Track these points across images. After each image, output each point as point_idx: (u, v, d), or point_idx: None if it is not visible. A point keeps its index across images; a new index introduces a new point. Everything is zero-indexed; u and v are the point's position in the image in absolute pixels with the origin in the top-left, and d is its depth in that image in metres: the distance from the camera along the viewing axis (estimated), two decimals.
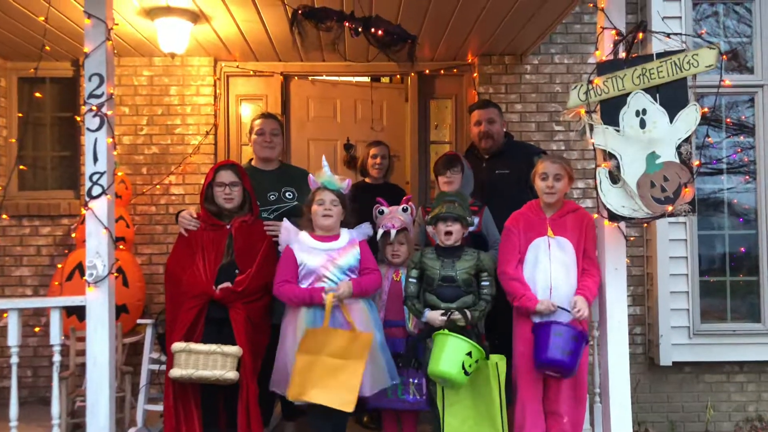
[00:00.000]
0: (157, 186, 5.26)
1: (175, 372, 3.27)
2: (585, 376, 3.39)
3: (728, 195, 5.44)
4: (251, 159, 4.07)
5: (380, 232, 3.66)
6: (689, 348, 5.20)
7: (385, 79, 6.13)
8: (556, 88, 5.42)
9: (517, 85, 5.44)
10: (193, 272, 3.41)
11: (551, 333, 3.09)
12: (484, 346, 3.20)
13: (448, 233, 3.39)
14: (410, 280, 3.46)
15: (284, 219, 3.49)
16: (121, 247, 4.59)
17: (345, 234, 3.46)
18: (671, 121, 3.03)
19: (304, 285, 3.33)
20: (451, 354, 3.11)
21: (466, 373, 3.08)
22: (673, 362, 5.17)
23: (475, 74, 5.43)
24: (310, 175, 3.52)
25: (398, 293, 3.60)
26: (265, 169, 3.97)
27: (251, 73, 5.47)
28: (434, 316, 3.31)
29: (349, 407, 3.10)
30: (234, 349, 3.29)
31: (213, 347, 3.26)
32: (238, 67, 5.43)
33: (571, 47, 5.45)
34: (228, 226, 3.52)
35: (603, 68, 3.13)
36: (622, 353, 3.36)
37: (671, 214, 2.99)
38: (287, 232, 3.43)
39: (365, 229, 3.54)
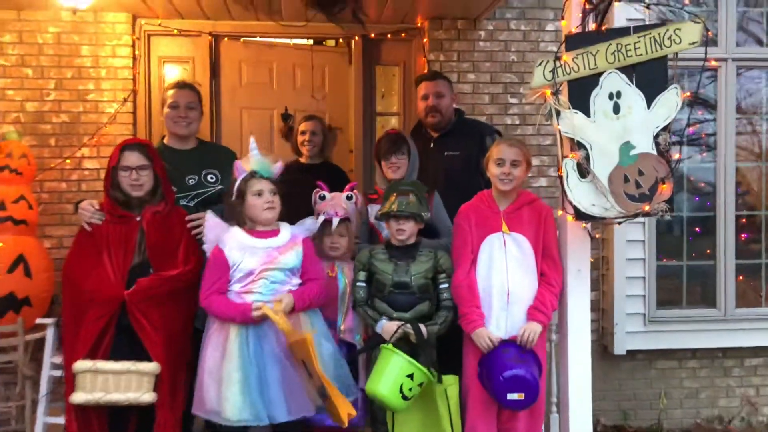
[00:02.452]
0: (68, 160, 4.65)
1: (79, 397, 2.81)
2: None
3: (686, 172, 5.18)
4: (164, 136, 3.54)
5: (320, 219, 3.23)
6: (644, 336, 4.99)
7: (329, 42, 5.59)
8: (511, 57, 5.02)
9: (470, 52, 5.01)
10: (99, 274, 2.92)
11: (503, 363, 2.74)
12: (434, 367, 2.81)
13: (401, 230, 2.99)
14: (358, 284, 3.07)
15: (208, 212, 3.00)
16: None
17: (285, 229, 3.01)
18: (648, 106, 2.66)
19: (237, 287, 2.88)
20: (390, 374, 2.74)
21: (404, 397, 2.71)
22: (627, 350, 4.96)
23: (425, 39, 4.98)
24: (237, 161, 3.02)
25: (334, 291, 3.21)
26: (181, 149, 3.46)
27: (175, 32, 4.86)
28: (390, 328, 2.92)
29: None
30: (151, 367, 2.84)
31: (126, 365, 2.81)
32: (160, 25, 4.81)
33: (528, 12, 5.03)
34: (138, 218, 3.02)
35: (572, 42, 2.73)
36: (583, 361, 3.05)
37: (647, 214, 2.63)
38: (215, 228, 2.95)
39: (309, 225, 3.10)
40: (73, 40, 4.65)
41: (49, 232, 4.66)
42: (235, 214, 2.97)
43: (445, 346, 3.09)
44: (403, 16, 4.88)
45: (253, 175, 2.94)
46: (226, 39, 5.00)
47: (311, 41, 5.37)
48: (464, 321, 2.93)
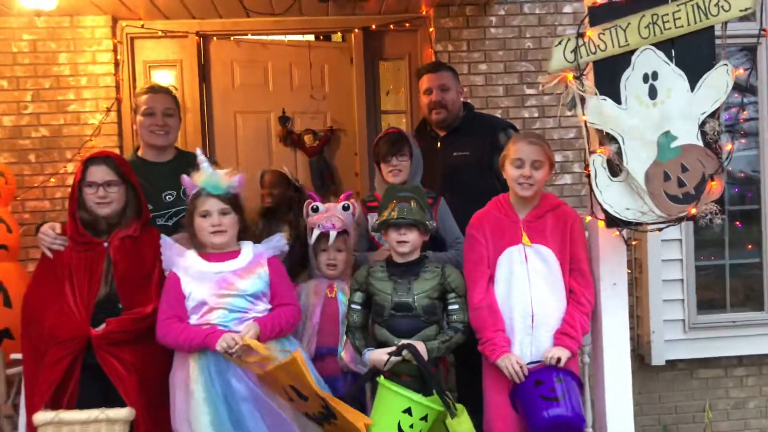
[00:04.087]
0: (51, 179, 4.33)
1: None
2: None
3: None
4: (137, 148, 3.18)
5: (315, 233, 2.88)
6: (684, 344, 4.59)
7: (330, 38, 5.22)
8: (526, 44, 4.63)
9: (480, 41, 4.63)
10: (61, 308, 2.57)
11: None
12: (444, 394, 2.39)
13: (403, 242, 2.58)
14: (353, 306, 2.67)
15: (162, 238, 2.66)
16: None
17: (247, 249, 2.65)
18: (692, 89, 2.23)
19: (194, 319, 2.53)
20: (384, 412, 2.36)
21: None
22: (666, 360, 4.56)
23: (431, 29, 4.61)
24: (184, 176, 2.66)
25: (334, 313, 2.87)
26: (157, 161, 3.10)
27: (160, 33, 4.52)
28: (378, 356, 2.51)
29: None
30: (123, 413, 2.47)
31: (94, 413, 2.44)
32: (143, 27, 4.47)
33: None
34: (105, 244, 2.65)
35: (597, 15, 2.31)
36: (623, 387, 2.63)
37: (692, 218, 2.19)
38: (168, 251, 2.61)
39: (276, 242, 2.72)
40: (49, 47, 4.33)
41: (34, 255, 4.29)
42: (189, 234, 2.66)
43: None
44: (407, 4, 4.53)
45: (199, 193, 2.59)
46: (215, 39, 4.67)
47: (308, 37, 5.00)
48: (488, 348, 2.52)
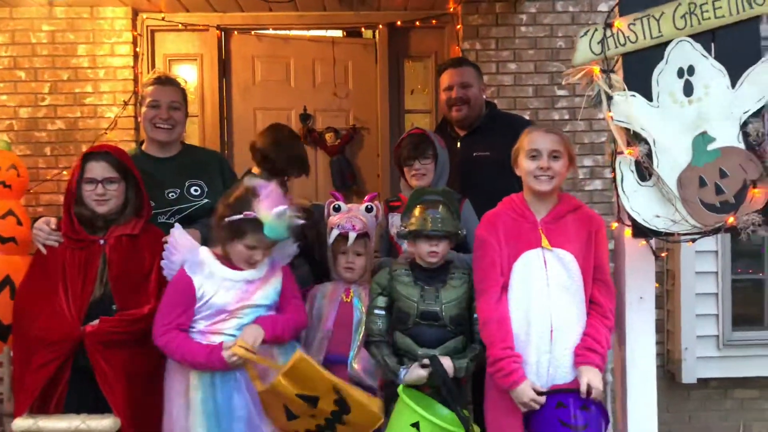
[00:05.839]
0: (65, 171, 4.23)
1: None
2: None
3: None
4: (142, 142, 3.06)
5: (333, 234, 2.74)
6: (717, 361, 4.38)
7: (367, 34, 5.09)
8: (558, 43, 4.47)
9: (510, 39, 4.47)
10: (53, 308, 2.45)
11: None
12: (462, 414, 2.23)
13: (434, 253, 2.43)
14: (376, 311, 2.49)
15: (175, 225, 2.51)
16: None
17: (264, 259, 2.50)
18: (733, 86, 2.03)
19: (203, 325, 2.37)
20: (396, 422, 2.24)
21: None
22: (698, 378, 4.35)
23: (458, 26, 4.47)
24: (255, 204, 2.36)
25: (348, 320, 2.72)
26: (161, 157, 2.96)
27: (180, 27, 4.45)
28: (417, 376, 2.34)
29: None
30: (106, 423, 2.35)
31: (75, 422, 2.33)
32: (164, 19, 4.41)
33: None
34: (101, 242, 2.54)
35: (628, 3, 2.14)
36: (647, 410, 2.43)
37: (731, 229, 1.99)
38: (183, 248, 2.45)
39: (288, 248, 2.56)
40: (68, 38, 4.29)
41: None
42: (217, 236, 2.47)
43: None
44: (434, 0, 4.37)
45: (258, 226, 2.34)
46: (236, 33, 4.59)
47: (332, 33, 4.89)
48: (497, 371, 2.29)
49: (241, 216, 2.33)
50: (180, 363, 2.34)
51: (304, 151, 3.27)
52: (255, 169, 3.15)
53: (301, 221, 2.46)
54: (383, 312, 2.49)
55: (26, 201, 4.09)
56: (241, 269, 2.41)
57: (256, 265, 2.42)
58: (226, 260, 2.43)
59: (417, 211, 2.47)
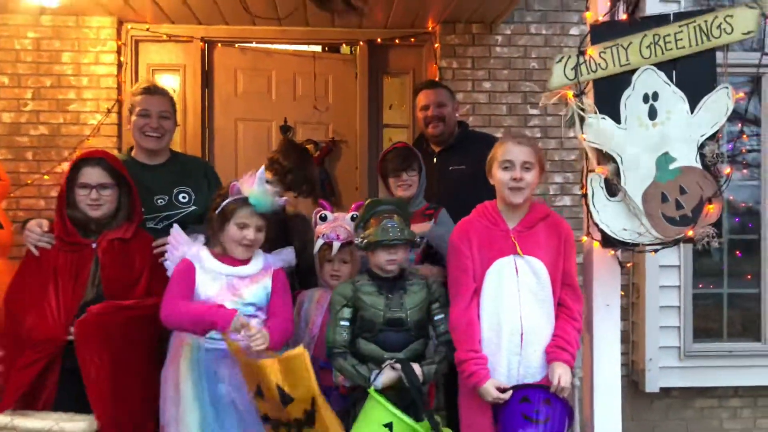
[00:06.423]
0: (46, 176, 4.29)
1: None
2: None
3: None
4: (131, 148, 3.13)
5: (318, 243, 2.82)
6: (679, 371, 4.52)
7: (345, 50, 5.19)
8: (531, 64, 4.61)
9: (485, 59, 4.61)
10: (42, 310, 2.50)
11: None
12: (431, 416, 2.33)
13: (393, 261, 2.54)
14: (342, 323, 2.54)
15: (174, 227, 2.61)
16: None
17: (259, 257, 2.60)
18: (692, 111, 2.21)
19: None
20: (367, 423, 2.30)
21: None
22: (660, 388, 4.49)
23: (436, 45, 4.60)
24: (236, 183, 2.58)
25: None
26: (150, 164, 3.04)
27: (165, 37, 4.51)
28: (390, 377, 2.44)
29: None
30: (80, 426, 2.37)
31: (49, 423, 2.36)
32: (148, 30, 4.47)
33: (550, 15, 4.62)
34: (93, 245, 2.61)
35: (599, 33, 2.29)
36: (612, 411, 2.57)
37: (690, 240, 2.16)
38: (182, 246, 2.55)
39: (287, 255, 2.68)
40: (53, 46, 4.33)
41: None
42: (211, 230, 2.59)
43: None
44: (413, 19, 4.52)
45: (245, 203, 2.51)
46: (219, 45, 4.66)
47: (313, 48, 4.99)
48: (462, 372, 2.43)
49: (228, 200, 2.51)
50: (182, 325, 2.41)
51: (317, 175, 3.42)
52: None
53: (283, 199, 2.64)
54: (348, 323, 2.54)
55: (7, 205, 4.10)
56: (233, 265, 2.51)
57: (251, 249, 2.51)
58: (222, 257, 2.53)
59: (373, 222, 2.57)
